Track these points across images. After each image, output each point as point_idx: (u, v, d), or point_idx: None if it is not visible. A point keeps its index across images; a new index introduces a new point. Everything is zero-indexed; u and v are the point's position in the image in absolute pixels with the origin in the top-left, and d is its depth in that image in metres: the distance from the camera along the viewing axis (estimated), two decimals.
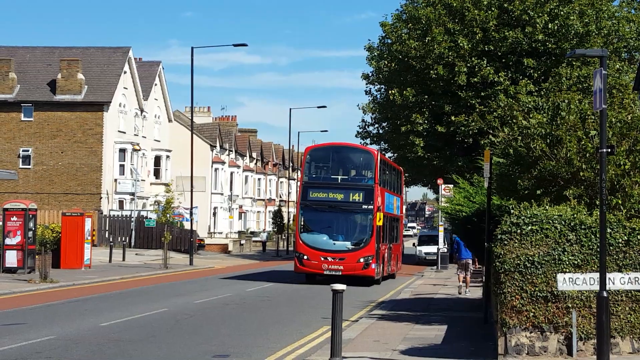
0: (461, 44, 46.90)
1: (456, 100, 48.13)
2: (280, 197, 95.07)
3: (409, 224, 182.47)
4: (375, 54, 53.39)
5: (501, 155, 19.72)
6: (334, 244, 32.97)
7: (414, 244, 70.72)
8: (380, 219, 32.59)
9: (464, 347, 15.94)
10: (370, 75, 55.12)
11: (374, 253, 32.85)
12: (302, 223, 33.61)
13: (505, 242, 14.14)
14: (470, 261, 29.18)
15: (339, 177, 34.47)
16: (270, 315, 21.85)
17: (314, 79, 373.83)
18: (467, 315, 22.05)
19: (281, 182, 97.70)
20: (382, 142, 57.04)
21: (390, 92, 50.19)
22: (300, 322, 20.36)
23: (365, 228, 33.12)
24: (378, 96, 55.71)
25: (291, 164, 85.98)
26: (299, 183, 37.28)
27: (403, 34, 49.89)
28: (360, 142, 66.76)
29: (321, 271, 32.67)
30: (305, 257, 32.87)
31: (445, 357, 14.57)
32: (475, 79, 47.00)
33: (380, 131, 56.31)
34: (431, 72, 47.59)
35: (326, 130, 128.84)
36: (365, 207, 32.90)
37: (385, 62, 51.95)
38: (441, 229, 46.85)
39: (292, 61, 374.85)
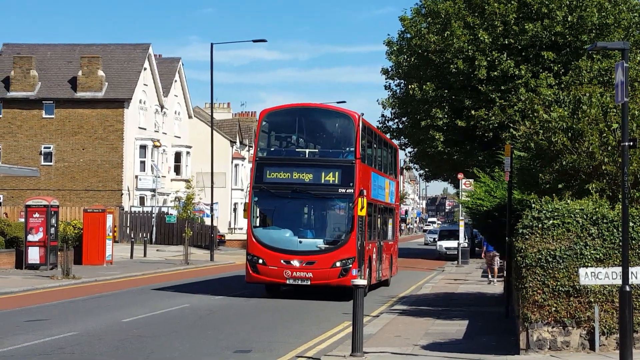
0: (481, 38, 46.71)
1: (476, 95, 47.95)
2: None
3: (429, 219, 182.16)
4: (395, 48, 53.25)
5: (522, 149, 19.62)
6: (300, 242, 24.15)
7: (434, 240, 70.58)
8: (363, 207, 23.81)
9: (485, 342, 15.90)
10: (389, 70, 55.00)
11: (355, 254, 23.90)
12: (257, 214, 24.83)
13: (527, 237, 14.08)
14: (497, 253, 30.54)
15: (307, 151, 25.47)
16: (291, 310, 21.88)
17: (333, 74, 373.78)
18: (489, 310, 21.99)
19: None
20: (402, 137, 56.89)
21: (409, 86, 50.06)
22: (321, 317, 20.37)
23: (343, 220, 24.49)
24: (397, 91, 55.61)
25: None
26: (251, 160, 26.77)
27: (422, 29, 49.74)
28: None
29: (282, 280, 23.97)
30: (260, 260, 24.04)
31: (467, 352, 14.54)
32: (495, 73, 46.80)
33: (400, 126, 56.18)
34: (451, 66, 47.43)
35: None
36: (343, 191, 24.14)
37: (405, 56, 51.82)
38: (462, 223, 46.70)
39: (311, 57, 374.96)
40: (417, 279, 35.29)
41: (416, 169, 71.09)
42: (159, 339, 16.20)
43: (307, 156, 25.24)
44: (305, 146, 25.83)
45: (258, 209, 24.84)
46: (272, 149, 25.89)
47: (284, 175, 24.67)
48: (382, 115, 56.55)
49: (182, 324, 18.45)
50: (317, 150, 25.66)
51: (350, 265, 23.83)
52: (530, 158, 18.58)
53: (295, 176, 24.58)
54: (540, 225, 14.08)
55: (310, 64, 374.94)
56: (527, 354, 13.85)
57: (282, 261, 23.94)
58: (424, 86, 48.38)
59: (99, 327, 17.56)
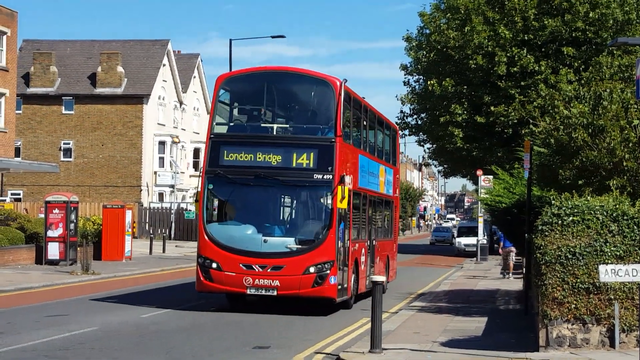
0: (501, 34, 46.49)
1: (496, 90, 47.75)
2: None
3: (448, 215, 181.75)
4: (414, 44, 53.10)
5: (542, 146, 19.52)
6: (265, 241, 19.46)
7: (453, 236, 70.45)
8: (344, 197, 19.26)
9: (504, 339, 15.85)
10: (408, 66, 54.87)
11: (334, 257, 19.35)
12: (210, 206, 20.22)
13: (546, 233, 14.00)
14: (513, 249, 31.27)
15: (275, 127, 20.81)
16: (309, 307, 21.88)
17: (352, 70, 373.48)
18: (508, 307, 21.92)
19: None
20: (420, 133, 56.75)
21: (428, 82, 49.92)
22: (340, 314, 20.36)
23: (319, 213, 20.01)
24: (417, 87, 55.47)
25: None
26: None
27: (442, 24, 49.58)
28: (400, 134, 66.57)
29: (241, 290, 19.43)
30: (214, 264, 19.48)
31: (486, 349, 14.49)
32: (515, 69, 46.58)
33: (419, 122, 56.03)
34: (470, 62, 47.24)
35: None
36: (319, 176, 19.60)
37: (424, 52, 51.68)
38: (480, 220, 46.55)
39: (331, 53, 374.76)
40: (435, 275, 35.21)
41: (435, 166, 71.00)
42: (177, 334, 16.24)
43: (275, 133, 20.57)
44: (273, 120, 21.18)
45: (212, 200, 20.19)
46: (232, 124, 21.20)
47: (246, 157, 19.97)
48: (401, 112, 56.46)
49: (200, 320, 18.49)
50: (287, 125, 21.14)
51: (328, 271, 19.16)
52: (550, 154, 18.49)
53: (259, 158, 19.92)
54: (560, 222, 14.00)
55: (330, 60, 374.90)
56: (546, 351, 13.78)
57: (241, 265, 19.28)
58: (443, 82, 48.23)
59: (118, 323, 17.64)
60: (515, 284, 29.25)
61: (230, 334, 16.58)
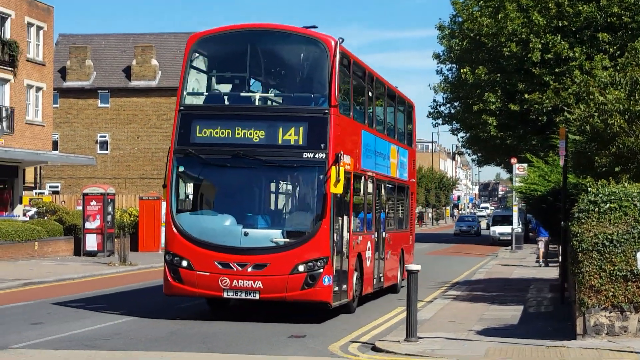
0: (535, 20, 46.11)
1: (529, 78, 47.40)
2: None
3: (482, 205, 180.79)
4: (447, 32, 52.87)
5: (577, 133, 19.39)
6: (245, 234, 16.39)
7: (488, 225, 70.17)
8: (339, 179, 15.96)
9: (541, 328, 15.79)
10: (441, 54, 54.64)
11: (329, 252, 16.31)
12: (180, 192, 17.14)
13: (583, 221, 13.92)
14: (547, 238, 31.76)
15: (257, 96, 17.75)
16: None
17: (385, 59, 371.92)
18: (544, 295, 21.82)
19: None
20: (454, 122, 56.57)
21: (462, 71, 49.69)
22: (375, 303, 20.39)
23: (310, 200, 16.96)
24: (450, 75, 55.24)
25: None
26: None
27: (475, 12, 49.29)
28: (432, 123, 65.94)
29: (217, 293, 16.45)
30: (184, 262, 16.47)
31: (523, 338, 14.46)
32: (549, 56, 46.20)
33: (452, 111, 55.85)
34: (504, 49, 46.93)
35: None
36: (309, 155, 16.47)
37: (457, 40, 51.42)
38: (515, 208, 46.32)
39: (363, 42, 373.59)
40: (470, 264, 35.12)
41: (468, 154, 70.67)
42: (215, 325, 16.37)
43: (256, 103, 17.47)
44: (255, 89, 18.20)
45: (182, 185, 17.11)
46: (206, 94, 18.02)
47: (222, 133, 16.85)
48: (434, 100, 56.30)
49: (237, 309, 18.60)
50: (272, 94, 18.29)
51: (321, 270, 16.07)
52: (586, 141, 18.37)
53: (238, 134, 16.76)
54: (596, 209, 13.91)
55: (363, 50, 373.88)
56: (584, 339, 13.72)
57: (216, 264, 16.22)
58: (477, 70, 47.97)
59: (155, 313, 17.80)
60: (551, 272, 29.12)
61: (268, 321, 16.64)
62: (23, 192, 42.07)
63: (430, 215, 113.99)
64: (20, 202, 40.61)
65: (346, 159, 17.03)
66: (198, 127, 17.08)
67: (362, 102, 19.89)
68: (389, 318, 17.97)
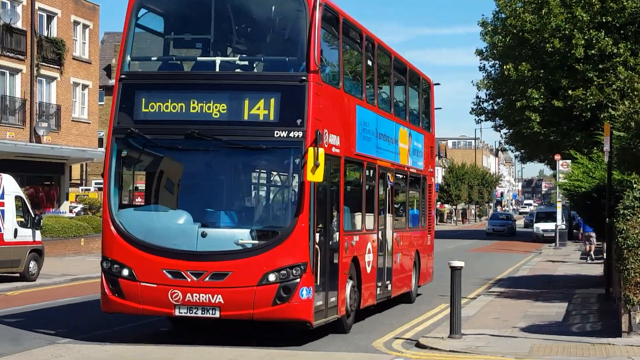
0: (578, 16, 45.70)
1: (573, 74, 47.00)
2: None
3: (525, 201, 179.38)
4: (489, 29, 52.60)
5: (622, 129, 19.23)
6: (203, 235, 13.15)
7: (531, 222, 69.50)
8: (317, 164, 12.75)
9: (585, 325, 15.76)
10: (484, 51, 54.40)
11: (308, 257, 13.08)
12: (122, 183, 13.81)
13: (628, 217, 13.87)
14: (593, 234, 32.16)
15: (217, 61, 13.97)
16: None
17: (427, 56, 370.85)
18: (588, 292, 21.71)
19: None
20: (497, 119, 56.31)
21: (505, 67, 49.39)
22: (418, 300, 20.45)
23: (283, 192, 14.15)
24: (492, 72, 54.97)
25: None
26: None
27: (518, 8, 48.95)
28: (475, 119, 65.53)
29: (167, 310, 13.20)
30: (125, 271, 13.27)
31: (567, 335, 14.45)
32: (593, 51, 45.76)
33: (495, 107, 55.56)
34: (547, 45, 46.56)
35: (440, 108, 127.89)
36: (282, 134, 13.23)
37: (500, 37, 51.11)
38: (559, 205, 46.00)
39: (404, 39, 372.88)
40: (513, 261, 34.99)
41: (511, 151, 70.23)
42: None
43: (217, 69, 13.83)
44: (216, 52, 14.20)
45: (124, 173, 13.78)
46: (153, 59, 14.82)
47: (174, 108, 13.49)
48: (477, 97, 56.06)
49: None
50: (237, 58, 14.20)
51: (297, 280, 12.83)
52: (630, 138, 18.23)
53: (194, 108, 13.44)
54: None
55: (405, 46, 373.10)
56: (629, 336, 13.67)
57: (165, 273, 12.97)
58: (520, 66, 47.65)
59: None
60: (595, 269, 28.93)
61: None
62: (69, 188, 42.75)
63: (473, 212, 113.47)
64: (67, 199, 41.29)
65: (332, 140, 13.89)
66: (143, 100, 13.66)
67: (357, 73, 16.26)
68: (434, 314, 18.03)
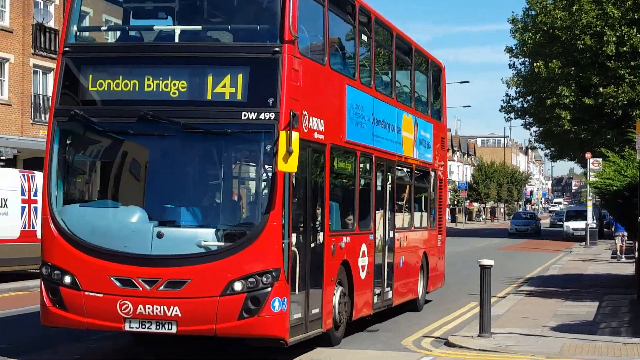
0: (610, 13, 45.29)
1: (604, 71, 46.58)
2: None
3: (555, 200, 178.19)
4: (519, 26, 52.27)
5: None
6: (159, 236, 11.04)
7: (557, 221, 68.99)
8: (290, 151, 10.57)
9: (617, 324, 15.62)
10: (514, 48, 54.09)
11: (280, 261, 10.99)
12: (64, 174, 11.67)
13: None
14: (625, 233, 32.45)
15: (177, 30, 11.94)
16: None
17: (456, 54, 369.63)
18: (619, 292, 21.51)
19: None
20: (526, 117, 56.00)
21: (535, 64, 49.06)
22: (447, 298, 20.38)
23: (252, 185, 12.15)
24: (522, 69, 54.66)
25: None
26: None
27: (548, 5, 48.63)
28: (504, 117, 65.23)
29: (116, 324, 11.15)
30: (67, 279, 11.22)
31: (598, 334, 14.33)
32: (625, 49, 45.30)
33: (525, 105, 55.25)
34: (578, 42, 46.19)
35: (469, 106, 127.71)
36: (251, 115, 11.10)
37: (530, 34, 50.79)
38: (589, 203, 45.67)
39: (433, 37, 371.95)
40: (543, 260, 34.79)
41: (541, 149, 69.81)
42: None
43: (177, 40, 11.83)
44: (176, 20, 12.27)
45: (67, 163, 11.67)
46: (102, 28, 14.19)
47: (126, 85, 11.47)
48: (507, 95, 55.83)
49: None
50: (199, 27, 12.06)
51: (268, 289, 10.85)
52: None
53: (149, 86, 11.39)
54: None
55: (434, 45, 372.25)
56: None
57: (113, 280, 11.02)
58: (550, 64, 47.32)
59: None
60: (627, 268, 28.67)
61: None
62: None
63: (502, 210, 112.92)
64: None
65: (314, 124, 11.97)
66: (91, 77, 11.60)
67: (349, 49, 14.24)
68: (463, 313, 17.97)
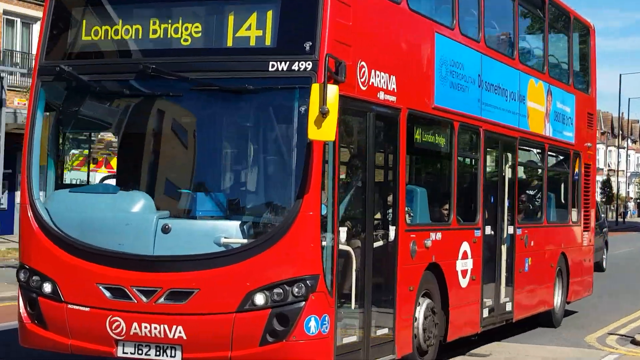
0: None
1: None
2: (609, 166, 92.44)
3: None
4: None
5: None
6: (165, 230, 7.96)
7: None
8: (324, 112, 7.31)
9: None
10: None
11: (320, 266, 7.70)
12: (47, 148, 8.55)
13: None
14: None
15: None
16: (599, 287, 21.45)
17: None
18: None
19: (609, 151, 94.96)
20: None
21: None
22: (636, 295, 19.90)
23: (282, 161, 8.19)
24: None
25: (620, 132, 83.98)
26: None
27: None
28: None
29: (105, 348, 8.02)
30: (47, 286, 8.19)
31: None
32: None
33: None
34: None
35: None
36: (281, 65, 7.87)
37: None
38: None
39: (624, 25, 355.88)
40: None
41: None
42: None
43: None
44: None
45: (52, 133, 8.78)
46: None
47: (126, 33, 8.57)
48: None
49: None
50: None
51: (302, 302, 7.74)
52: None
53: (155, 32, 8.49)
54: None
55: (623, 32, 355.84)
56: None
57: (102, 289, 8.12)
58: None
59: None
60: None
61: None
62: None
63: None
64: None
65: (380, 80, 8.89)
66: (84, 22, 8.75)
67: None
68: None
